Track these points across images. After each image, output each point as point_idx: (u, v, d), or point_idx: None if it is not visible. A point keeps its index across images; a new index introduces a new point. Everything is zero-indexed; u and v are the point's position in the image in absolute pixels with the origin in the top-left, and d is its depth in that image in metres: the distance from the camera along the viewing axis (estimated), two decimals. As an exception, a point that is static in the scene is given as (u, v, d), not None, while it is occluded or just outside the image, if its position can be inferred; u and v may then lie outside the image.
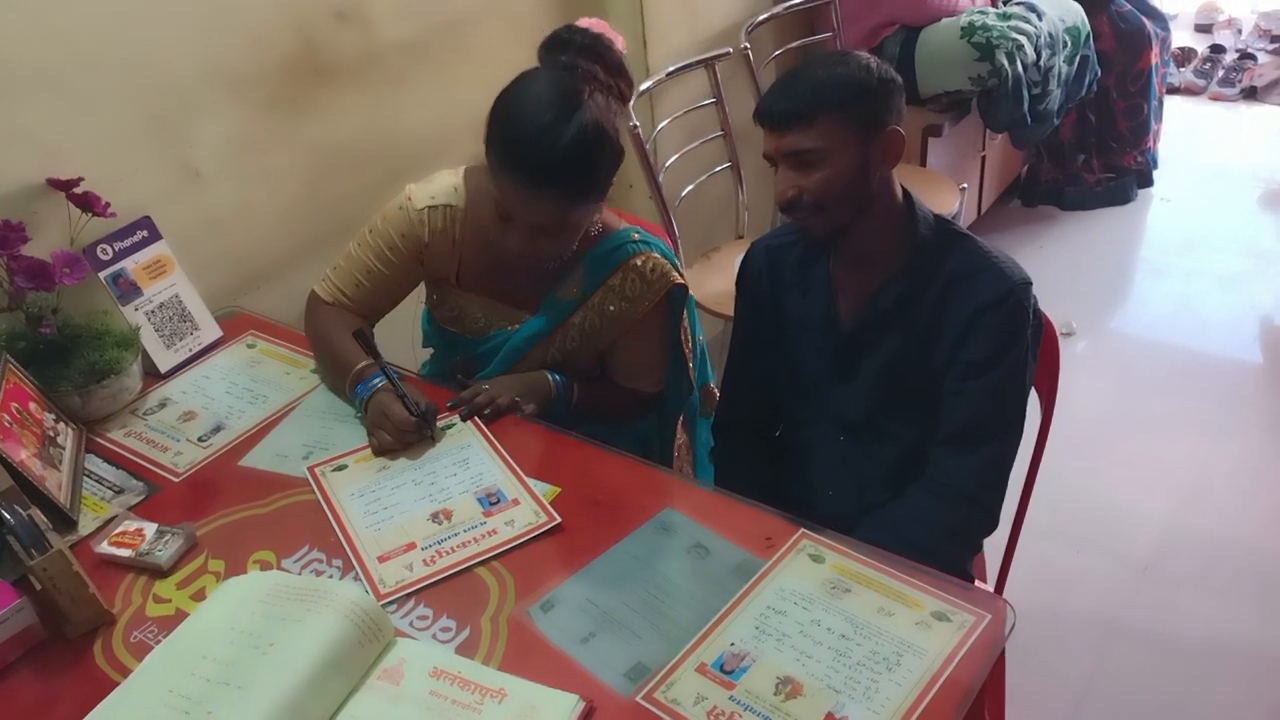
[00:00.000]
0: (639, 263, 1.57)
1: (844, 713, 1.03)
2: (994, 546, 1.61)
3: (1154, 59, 3.44)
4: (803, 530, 1.25)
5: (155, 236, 1.66)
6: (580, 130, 1.35)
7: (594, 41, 1.41)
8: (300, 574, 1.25)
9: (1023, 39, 2.85)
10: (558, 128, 1.34)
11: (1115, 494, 2.47)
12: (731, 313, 1.66)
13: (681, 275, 1.62)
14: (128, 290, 1.62)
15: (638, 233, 1.60)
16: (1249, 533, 2.33)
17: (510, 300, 1.62)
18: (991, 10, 2.95)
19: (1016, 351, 1.40)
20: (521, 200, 1.39)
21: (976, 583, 1.49)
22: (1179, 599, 2.18)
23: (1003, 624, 1.12)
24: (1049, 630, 2.12)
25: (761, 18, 2.69)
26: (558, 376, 1.60)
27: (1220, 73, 4.44)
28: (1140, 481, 2.50)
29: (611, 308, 1.58)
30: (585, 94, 1.36)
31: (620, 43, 1.46)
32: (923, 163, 2.95)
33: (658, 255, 1.59)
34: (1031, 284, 1.40)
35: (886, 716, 1.02)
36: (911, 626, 1.12)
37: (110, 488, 1.42)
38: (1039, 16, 2.96)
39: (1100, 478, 2.51)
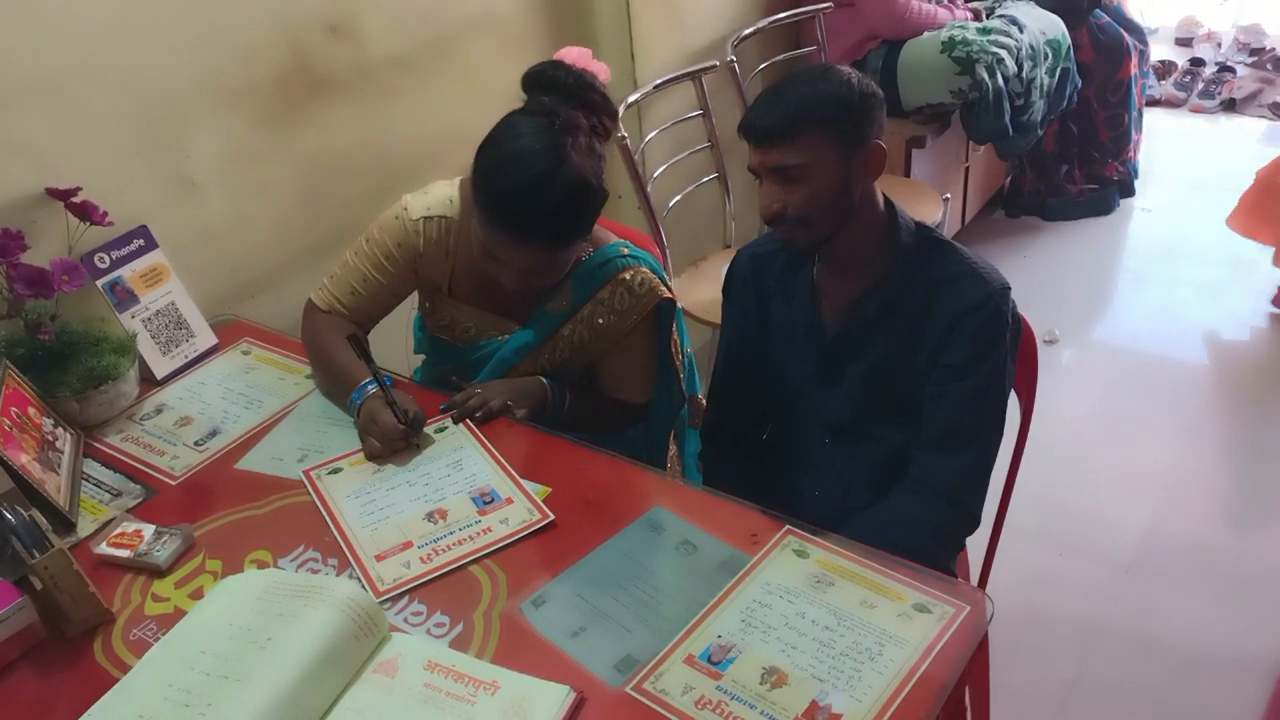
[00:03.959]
0: (628, 277, 1.60)
1: (827, 701, 1.06)
2: (975, 546, 1.64)
3: (1133, 70, 3.50)
4: (788, 527, 1.28)
5: (152, 245, 1.68)
6: (565, 186, 1.39)
7: (577, 82, 1.44)
8: (296, 573, 1.27)
9: (1003, 52, 2.90)
10: (543, 186, 1.38)
11: (1098, 498, 2.50)
12: (719, 321, 1.69)
13: (669, 289, 1.65)
14: (125, 298, 1.64)
15: (627, 247, 1.63)
16: (1229, 535, 2.38)
17: (501, 311, 1.64)
18: (972, 25, 3.00)
19: (996, 355, 1.43)
20: (509, 249, 1.45)
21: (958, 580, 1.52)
22: (1161, 600, 2.21)
23: (982, 615, 1.15)
24: (1033, 631, 2.15)
25: (747, 31, 2.73)
26: (551, 382, 1.62)
27: (1200, 85, 4.51)
28: (1123, 485, 2.53)
29: (600, 321, 1.61)
30: (568, 145, 1.40)
31: (604, 74, 1.49)
32: (906, 173, 2.99)
33: (646, 270, 1.62)
34: (1010, 289, 1.43)
35: (869, 704, 1.05)
36: (893, 618, 1.14)
37: (108, 491, 1.44)
38: (1020, 29, 3.02)
39: (1084, 482, 2.55)
